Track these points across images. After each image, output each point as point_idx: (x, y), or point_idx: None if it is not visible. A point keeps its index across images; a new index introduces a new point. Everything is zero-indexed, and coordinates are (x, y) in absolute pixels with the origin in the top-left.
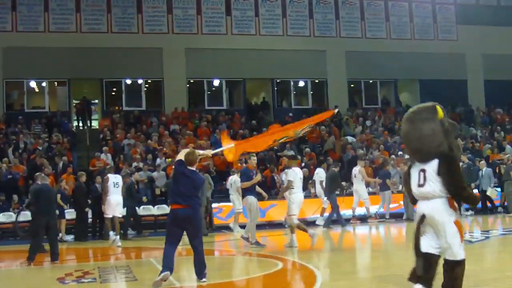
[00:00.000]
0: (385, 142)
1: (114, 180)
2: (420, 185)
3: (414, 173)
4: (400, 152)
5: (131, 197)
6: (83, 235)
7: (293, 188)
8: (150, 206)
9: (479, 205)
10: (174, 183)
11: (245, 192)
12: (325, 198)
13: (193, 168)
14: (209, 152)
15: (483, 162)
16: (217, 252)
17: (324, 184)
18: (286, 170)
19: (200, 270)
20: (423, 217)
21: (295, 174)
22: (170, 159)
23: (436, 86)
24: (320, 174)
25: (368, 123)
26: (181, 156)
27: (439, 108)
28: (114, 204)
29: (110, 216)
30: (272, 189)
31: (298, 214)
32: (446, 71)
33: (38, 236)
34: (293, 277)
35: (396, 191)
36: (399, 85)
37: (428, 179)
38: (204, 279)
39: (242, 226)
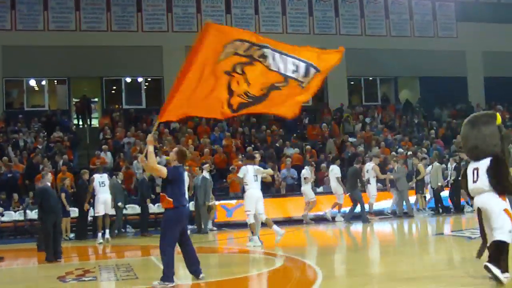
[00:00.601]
0: (385, 139)
1: (100, 180)
2: (474, 182)
3: (469, 172)
4: (400, 149)
5: (142, 194)
6: (84, 233)
7: (246, 185)
8: (151, 205)
9: None
10: (178, 184)
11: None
12: (341, 194)
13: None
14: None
15: None
16: (215, 250)
17: (339, 180)
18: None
19: (197, 267)
20: (478, 210)
21: (246, 171)
22: (168, 158)
23: (436, 83)
24: (334, 170)
25: (368, 120)
26: (174, 158)
27: (498, 115)
28: (102, 203)
29: (101, 214)
30: (272, 186)
31: (254, 210)
32: (446, 68)
33: (50, 235)
34: (293, 274)
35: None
36: (399, 82)
37: (480, 175)
38: (202, 275)
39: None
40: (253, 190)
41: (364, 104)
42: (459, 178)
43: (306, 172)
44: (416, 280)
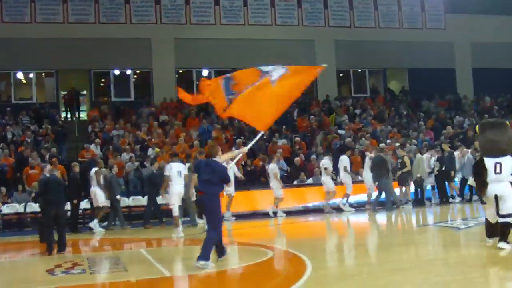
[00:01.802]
0: (374, 131)
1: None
2: (497, 173)
3: (490, 164)
4: (388, 141)
5: (151, 186)
6: (75, 226)
7: (171, 181)
8: (140, 197)
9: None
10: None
11: None
12: (350, 184)
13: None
14: (245, 149)
15: (465, 150)
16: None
17: (347, 170)
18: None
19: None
20: (496, 196)
21: (169, 169)
22: (158, 150)
23: (425, 74)
24: (344, 161)
25: (357, 112)
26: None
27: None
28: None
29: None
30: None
31: (177, 204)
32: (435, 60)
33: (50, 227)
34: (283, 265)
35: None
36: (388, 73)
37: (503, 169)
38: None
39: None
40: (176, 186)
41: (353, 96)
42: (443, 169)
43: (327, 162)
44: (406, 270)
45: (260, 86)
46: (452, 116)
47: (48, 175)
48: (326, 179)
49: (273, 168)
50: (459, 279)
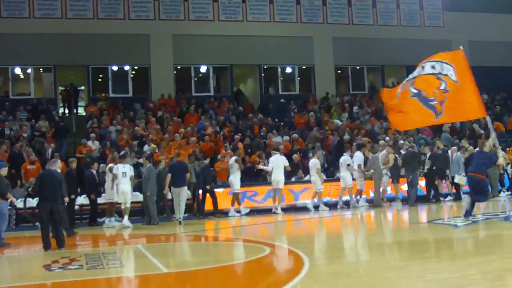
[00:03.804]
0: (371, 128)
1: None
2: None
3: None
4: (387, 138)
5: (159, 183)
6: (71, 222)
7: (117, 179)
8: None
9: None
10: None
11: None
12: (362, 180)
13: None
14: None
15: (454, 147)
16: (204, 238)
17: (361, 167)
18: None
19: None
20: None
21: (116, 169)
22: (155, 146)
23: None
24: (358, 156)
25: (355, 109)
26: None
27: None
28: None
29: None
30: (259, 175)
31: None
32: None
33: (44, 223)
34: (280, 261)
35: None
36: (386, 71)
37: None
38: None
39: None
40: (122, 185)
41: (351, 93)
42: (433, 168)
43: (348, 158)
44: (402, 267)
45: (451, 86)
46: None
47: (47, 170)
48: (345, 175)
49: (315, 163)
50: (456, 276)
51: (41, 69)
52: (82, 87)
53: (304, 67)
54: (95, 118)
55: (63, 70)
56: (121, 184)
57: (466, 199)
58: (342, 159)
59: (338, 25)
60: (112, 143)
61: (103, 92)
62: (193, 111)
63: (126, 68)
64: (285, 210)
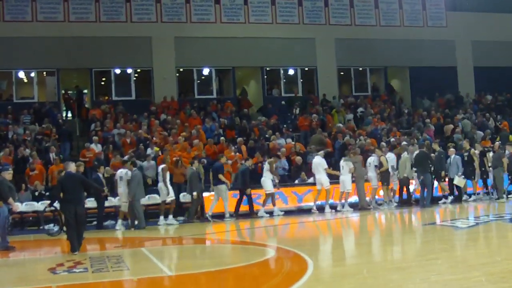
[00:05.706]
0: (374, 130)
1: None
2: None
3: None
4: (392, 139)
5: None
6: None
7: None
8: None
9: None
10: None
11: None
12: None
13: None
14: None
15: (452, 149)
16: (209, 241)
17: (376, 169)
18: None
19: None
20: None
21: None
22: (158, 149)
23: (426, 73)
24: (373, 159)
25: (359, 110)
26: None
27: None
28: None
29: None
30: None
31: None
32: (436, 58)
33: (70, 226)
34: (284, 264)
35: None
36: (389, 72)
37: None
38: None
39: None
40: (119, 189)
41: (354, 95)
42: (432, 169)
43: (376, 159)
44: (406, 269)
45: None
46: (452, 115)
47: (66, 173)
48: (372, 176)
49: (321, 162)
50: (459, 278)
51: (44, 73)
52: (85, 91)
53: (306, 68)
54: (98, 121)
55: (66, 74)
56: (119, 188)
57: None
58: (369, 160)
59: (340, 26)
60: (115, 146)
61: (106, 95)
62: (195, 115)
63: (129, 71)
64: (288, 212)
